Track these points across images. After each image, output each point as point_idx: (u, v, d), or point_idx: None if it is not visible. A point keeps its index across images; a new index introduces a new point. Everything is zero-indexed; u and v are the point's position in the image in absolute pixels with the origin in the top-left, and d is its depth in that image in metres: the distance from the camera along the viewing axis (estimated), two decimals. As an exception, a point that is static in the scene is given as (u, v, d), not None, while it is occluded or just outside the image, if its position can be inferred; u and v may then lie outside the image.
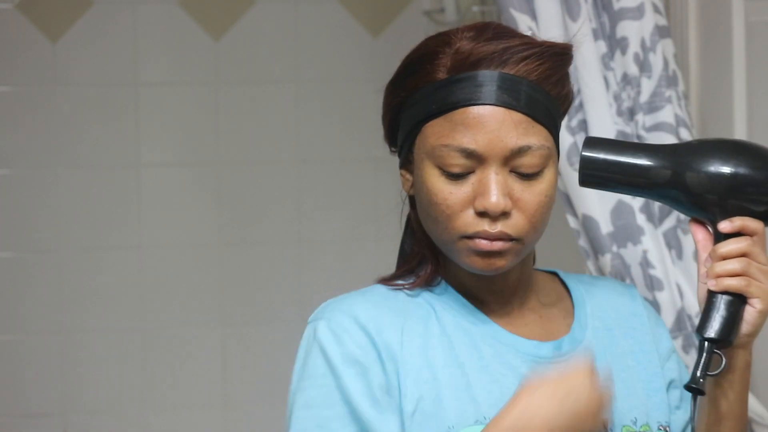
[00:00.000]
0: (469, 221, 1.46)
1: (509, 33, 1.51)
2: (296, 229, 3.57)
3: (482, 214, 1.46)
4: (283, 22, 3.54)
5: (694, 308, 2.18)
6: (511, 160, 1.46)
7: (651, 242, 2.12)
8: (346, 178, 3.54)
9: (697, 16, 2.33)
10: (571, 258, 2.39)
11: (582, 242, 2.18)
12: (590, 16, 2.17)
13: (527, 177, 1.48)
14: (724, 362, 1.47)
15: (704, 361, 1.45)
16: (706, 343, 1.46)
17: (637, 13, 2.16)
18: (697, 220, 1.53)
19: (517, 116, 1.47)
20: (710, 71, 2.32)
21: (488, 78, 1.46)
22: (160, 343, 3.52)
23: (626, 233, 2.12)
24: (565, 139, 2.13)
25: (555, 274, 1.64)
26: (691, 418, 1.47)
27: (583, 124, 2.14)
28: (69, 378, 3.49)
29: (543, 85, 1.49)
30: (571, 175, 2.16)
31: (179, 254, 3.53)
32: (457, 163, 1.46)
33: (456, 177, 1.46)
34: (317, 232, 3.57)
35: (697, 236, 1.52)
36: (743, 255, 1.47)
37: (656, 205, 2.18)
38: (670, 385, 1.61)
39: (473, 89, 1.46)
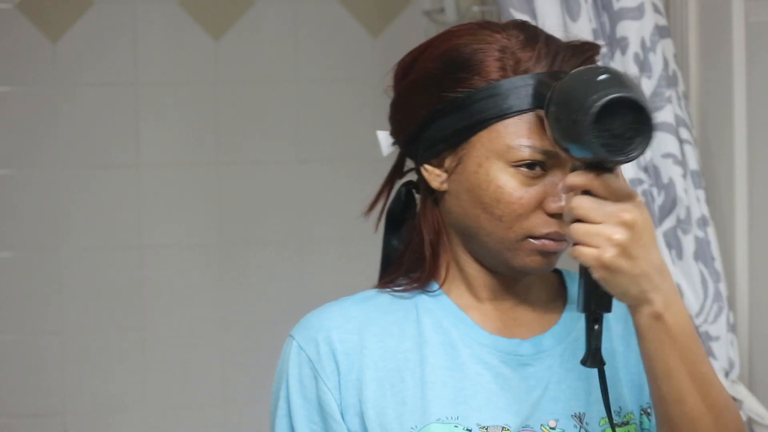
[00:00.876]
0: (540, 221, 1.46)
1: (551, 35, 1.50)
2: (296, 229, 3.57)
3: (554, 215, 1.45)
4: (283, 22, 3.54)
5: (694, 308, 2.18)
6: (571, 164, 1.45)
7: (651, 242, 2.12)
8: (346, 178, 3.54)
9: (697, 16, 2.33)
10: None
11: (582, 242, 2.18)
12: (590, 16, 2.17)
13: None
14: (596, 328, 1.40)
15: (587, 335, 1.41)
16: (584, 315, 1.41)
17: (637, 13, 2.16)
18: None
19: None
20: (710, 71, 2.32)
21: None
22: (160, 343, 3.52)
23: (626, 233, 2.12)
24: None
25: (559, 273, 1.62)
26: (603, 396, 1.42)
27: (583, 124, 2.14)
28: (69, 378, 3.48)
29: None
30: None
31: (179, 254, 3.53)
32: (538, 163, 1.45)
33: (532, 177, 1.46)
34: (317, 232, 3.57)
35: None
36: (576, 220, 1.38)
37: (656, 205, 2.18)
38: None
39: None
